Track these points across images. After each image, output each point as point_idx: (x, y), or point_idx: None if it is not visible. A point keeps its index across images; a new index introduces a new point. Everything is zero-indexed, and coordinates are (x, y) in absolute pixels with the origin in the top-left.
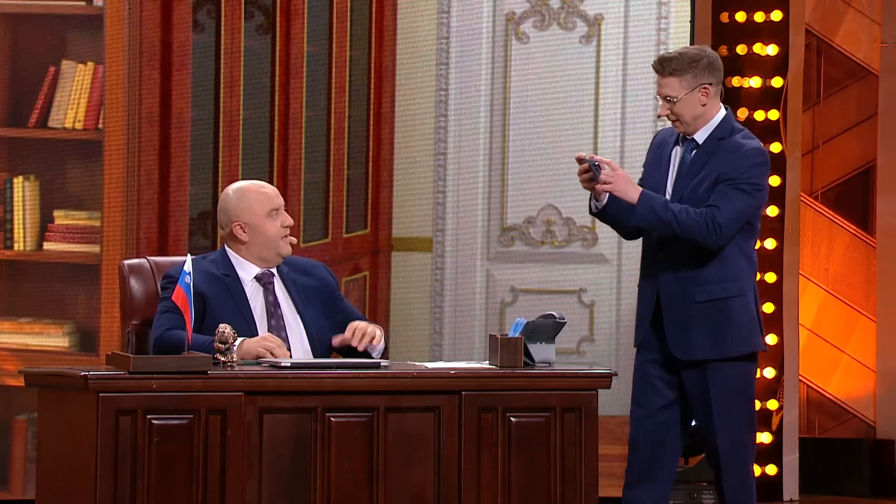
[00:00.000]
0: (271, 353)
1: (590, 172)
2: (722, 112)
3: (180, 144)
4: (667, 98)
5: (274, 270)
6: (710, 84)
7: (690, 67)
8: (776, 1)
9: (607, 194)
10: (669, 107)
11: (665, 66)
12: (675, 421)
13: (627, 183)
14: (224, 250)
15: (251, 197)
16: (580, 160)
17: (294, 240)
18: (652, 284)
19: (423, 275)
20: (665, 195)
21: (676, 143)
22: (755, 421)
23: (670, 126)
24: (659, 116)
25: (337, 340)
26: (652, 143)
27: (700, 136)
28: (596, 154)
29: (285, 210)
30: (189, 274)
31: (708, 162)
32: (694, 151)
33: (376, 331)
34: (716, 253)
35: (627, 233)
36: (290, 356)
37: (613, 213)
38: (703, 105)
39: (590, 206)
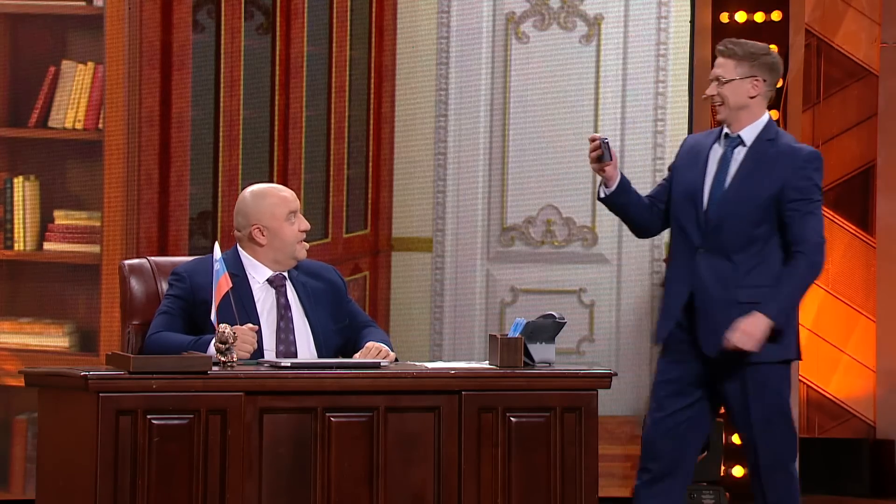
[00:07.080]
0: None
1: (599, 151)
2: (767, 115)
3: (180, 144)
4: (718, 78)
5: (286, 274)
6: (763, 80)
7: (750, 56)
8: (776, 1)
9: (617, 180)
10: (718, 87)
11: (727, 46)
12: (699, 417)
13: (757, 325)
14: (236, 250)
15: (271, 200)
16: (592, 139)
17: (308, 245)
18: (684, 284)
19: (423, 275)
20: (703, 193)
21: (714, 143)
22: (794, 421)
23: (701, 132)
24: (704, 97)
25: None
26: (682, 146)
27: (746, 136)
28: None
29: (302, 214)
30: (218, 261)
31: (763, 162)
32: (740, 149)
33: (389, 352)
34: (759, 257)
35: (636, 227)
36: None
37: (622, 202)
38: (751, 98)
39: (598, 191)
